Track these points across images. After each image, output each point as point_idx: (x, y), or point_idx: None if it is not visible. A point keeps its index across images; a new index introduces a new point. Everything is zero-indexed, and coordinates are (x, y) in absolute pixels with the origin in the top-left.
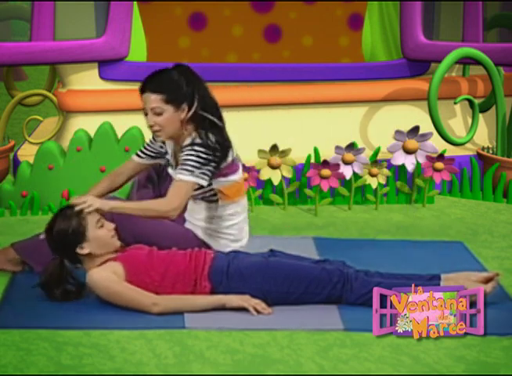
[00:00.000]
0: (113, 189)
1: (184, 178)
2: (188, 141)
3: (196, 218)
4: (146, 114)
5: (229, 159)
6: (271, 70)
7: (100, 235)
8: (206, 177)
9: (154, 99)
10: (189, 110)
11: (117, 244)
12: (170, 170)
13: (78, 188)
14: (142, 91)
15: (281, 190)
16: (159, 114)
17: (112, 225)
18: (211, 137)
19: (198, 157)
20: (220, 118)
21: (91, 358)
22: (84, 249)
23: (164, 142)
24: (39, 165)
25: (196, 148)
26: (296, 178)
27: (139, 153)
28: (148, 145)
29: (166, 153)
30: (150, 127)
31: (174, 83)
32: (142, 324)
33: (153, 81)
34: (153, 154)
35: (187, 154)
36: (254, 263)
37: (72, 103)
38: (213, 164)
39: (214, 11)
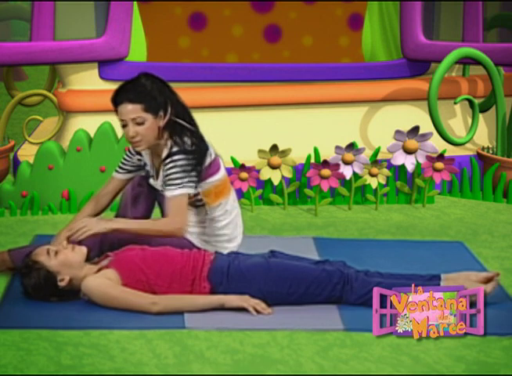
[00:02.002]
0: (100, 211)
1: (175, 193)
2: (165, 152)
3: (189, 225)
4: (124, 126)
5: (208, 160)
6: (271, 70)
7: (61, 261)
8: (192, 184)
9: (134, 109)
10: (165, 116)
11: (84, 250)
12: (151, 181)
13: (78, 188)
14: (119, 102)
15: (281, 190)
16: (140, 124)
17: (64, 243)
18: (187, 140)
19: (179, 166)
20: (192, 121)
21: (91, 358)
22: (64, 280)
23: (141, 155)
24: (39, 165)
25: (175, 158)
26: (296, 178)
27: (118, 169)
28: (125, 160)
29: (145, 164)
30: (131, 138)
31: (149, 91)
32: (142, 324)
33: (129, 92)
34: (132, 168)
35: (169, 168)
36: (254, 264)
37: (72, 103)
38: (196, 168)
39: (214, 11)
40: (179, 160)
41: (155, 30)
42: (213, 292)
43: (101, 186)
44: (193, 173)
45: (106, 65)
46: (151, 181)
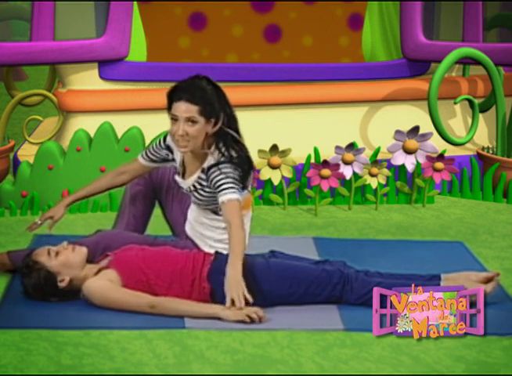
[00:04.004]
0: (114, 187)
1: (227, 197)
2: (211, 161)
3: (202, 226)
4: (174, 120)
5: (251, 173)
6: (271, 70)
7: (61, 261)
8: (239, 191)
9: (190, 109)
10: (215, 124)
11: (84, 251)
12: (177, 178)
13: (78, 188)
14: (177, 99)
15: (281, 190)
16: (193, 125)
17: (64, 243)
18: (234, 153)
19: (224, 173)
20: (240, 135)
21: (91, 358)
22: (64, 281)
23: (171, 151)
24: (39, 165)
25: (221, 166)
26: (296, 178)
27: (143, 154)
28: (153, 150)
29: (173, 160)
30: (180, 136)
31: (208, 96)
32: (142, 324)
33: (191, 92)
34: (156, 159)
35: (216, 175)
36: (254, 264)
37: (72, 103)
38: (240, 179)
39: (214, 11)
40: (226, 168)
41: (155, 30)
42: (213, 292)
43: None
44: (239, 183)
45: (106, 65)
46: (177, 178)
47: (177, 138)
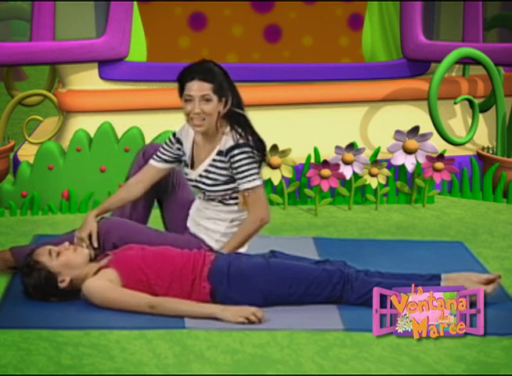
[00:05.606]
0: (135, 197)
1: (252, 184)
2: (230, 143)
3: (206, 219)
4: (188, 101)
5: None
6: (271, 70)
7: (62, 262)
8: (260, 176)
9: (205, 87)
10: (225, 104)
11: (86, 252)
12: (186, 170)
13: (78, 188)
14: (190, 79)
15: (281, 190)
16: (208, 103)
17: (66, 244)
18: (249, 136)
19: (250, 158)
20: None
21: (91, 358)
22: (64, 281)
23: (181, 144)
24: (39, 165)
25: (245, 149)
26: (296, 178)
27: (155, 157)
28: (164, 148)
29: (183, 155)
30: (196, 115)
31: (218, 75)
32: (142, 324)
33: (203, 71)
34: (169, 158)
35: (240, 158)
36: (254, 264)
37: (72, 103)
38: (259, 162)
39: (214, 11)
40: (248, 152)
41: (155, 30)
42: (213, 292)
43: (101, 186)
44: (258, 166)
45: (106, 65)
46: (186, 170)
47: (192, 116)
